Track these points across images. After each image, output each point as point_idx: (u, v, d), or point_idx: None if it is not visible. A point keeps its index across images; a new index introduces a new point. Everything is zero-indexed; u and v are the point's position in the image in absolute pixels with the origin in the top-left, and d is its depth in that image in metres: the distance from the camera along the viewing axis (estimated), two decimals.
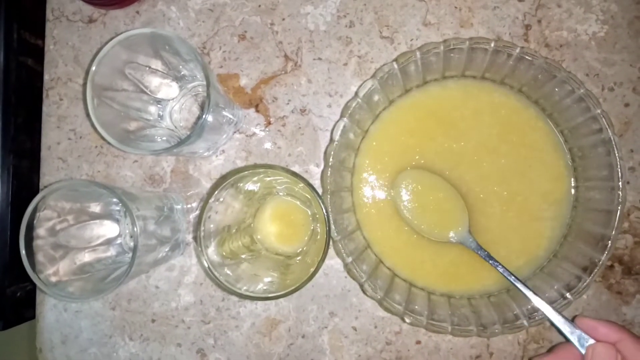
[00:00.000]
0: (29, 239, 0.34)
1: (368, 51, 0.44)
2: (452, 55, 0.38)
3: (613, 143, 0.36)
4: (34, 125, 0.46)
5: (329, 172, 0.38)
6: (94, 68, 0.34)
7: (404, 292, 0.39)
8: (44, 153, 0.46)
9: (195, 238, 0.43)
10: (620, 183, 0.36)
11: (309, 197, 0.39)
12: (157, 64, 0.39)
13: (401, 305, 0.38)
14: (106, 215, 0.41)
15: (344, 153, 0.40)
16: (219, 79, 0.45)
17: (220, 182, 0.34)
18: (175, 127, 0.43)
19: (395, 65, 0.38)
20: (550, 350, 0.40)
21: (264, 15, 0.45)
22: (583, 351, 0.35)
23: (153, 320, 0.44)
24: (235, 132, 0.44)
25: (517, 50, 0.37)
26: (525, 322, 0.37)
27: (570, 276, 0.38)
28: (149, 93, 0.40)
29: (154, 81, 0.40)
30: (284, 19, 0.44)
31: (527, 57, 0.37)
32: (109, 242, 0.41)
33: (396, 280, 0.40)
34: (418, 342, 0.42)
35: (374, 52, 0.44)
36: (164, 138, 0.42)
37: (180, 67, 0.40)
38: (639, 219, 0.42)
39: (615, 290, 0.42)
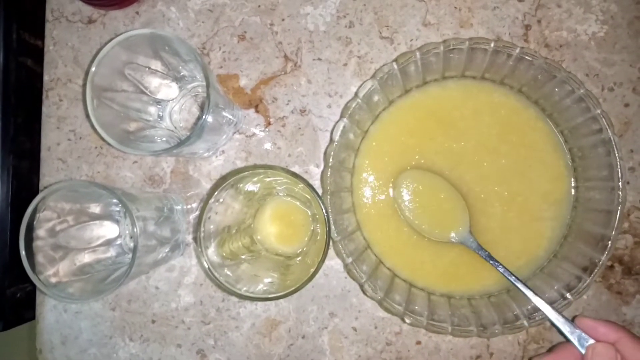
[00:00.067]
0: (29, 239, 0.34)
1: (368, 51, 0.44)
2: (452, 55, 0.38)
3: (613, 143, 0.36)
4: (33, 126, 0.46)
5: (328, 173, 0.38)
6: (93, 69, 0.34)
7: (404, 293, 0.39)
8: (43, 154, 0.46)
9: (195, 239, 0.43)
10: (620, 183, 0.36)
11: (309, 197, 0.39)
12: (156, 65, 0.39)
13: (401, 306, 0.38)
14: (106, 216, 0.41)
15: (343, 153, 0.40)
16: (218, 80, 0.45)
17: (220, 183, 0.34)
18: (175, 127, 0.43)
19: (395, 66, 0.38)
20: (550, 350, 0.40)
21: (264, 15, 0.45)
22: (583, 351, 0.35)
23: (153, 321, 0.44)
24: (235, 132, 0.44)
25: (517, 50, 0.37)
26: (525, 323, 0.37)
27: (571, 276, 0.38)
28: (149, 94, 0.40)
29: (153, 82, 0.40)
30: (283, 20, 0.44)
31: (526, 57, 0.37)
32: (108, 242, 0.41)
33: (396, 280, 0.40)
34: (418, 343, 0.42)
35: (374, 53, 0.44)
36: (164, 139, 0.42)
37: (180, 67, 0.40)
38: (639, 219, 0.42)
39: (615, 290, 0.42)
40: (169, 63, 0.39)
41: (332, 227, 0.37)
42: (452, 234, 0.40)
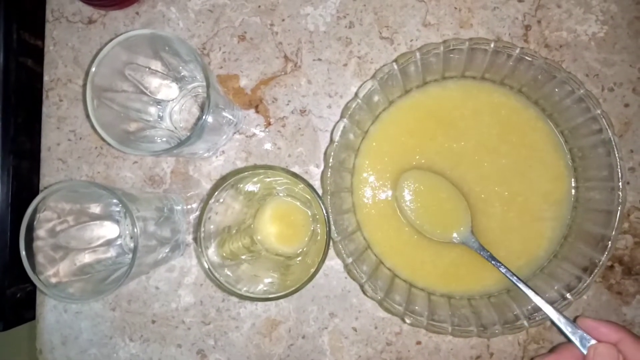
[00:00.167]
0: (29, 240, 0.34)
1: (368, 52, 0.44)
2: (452, 55, 0.38)
3: (613, 143, 0.36)
4: (33, 126, 0.46)
5: (329, 173, 0.38)
6: (93, 69, 0.34)
7: (404, 293, 0.39)
8: (43, 154, 0.46)
9: (195, 239, 0.43)
10: (620, 183, 0.36)
11: (309, 197, 0.39)
12: (157, 65, 0.39)
13: (401, 306, 0.38)
14: (106, 216, 0.41)
15: (344, 154, 0.40)
16: (218, 80, 0.45)
17: (220, 183, 0.34)
18: (175, 128, 0.43)
19: (395, 66, 0.38)
20: (551, 350, 0.40)
21: (264, 16, 0.45)
22: (584, 351, 0.35)
23: (153, 321, 0.44)
24: (235, 133, 0.44)
25: (517, 50, 0.37)
26: (525, 323, 0.37)
27: (571, 277, 0.38)
28: (149, 94, 0.40)
29: (153, 82, 0.40)
30: (283, 20, 0.44)
31: (526, 57, 0.37)
32: (109, 243, 0.41)
33: (396, 280, 0.40)
34: (418, 343, 0.42)
35: (374, 53, 0.44)
36: (164, 139, 0.42)
37: (180, 68, 0.40)
38: (639, 220, 0.42)
39: (616, 290, 0.42)
40: (169, 63, 0.39)
41: (332, 228, 0.37)
42: (454, 234, 0.40)
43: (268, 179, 0.39)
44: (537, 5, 0.43)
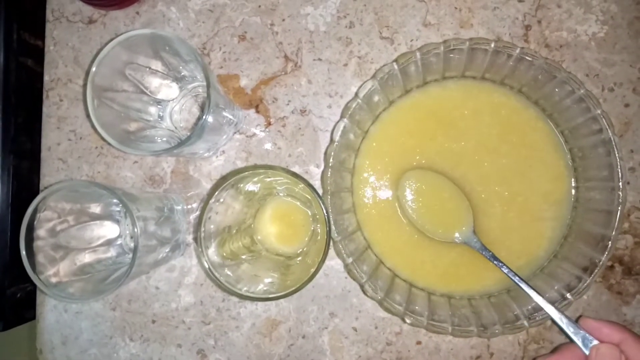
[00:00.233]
0: (29, 239, 0.34)
1: (368, 52, 0.44)
2: (452, 55, 0.38)
3: (613, 143, 0.36)
4: (34, 126, 0.46)
5: (329, 173, 0.38)
6: (94, 69, 0.34)
7: (404, 293, 0.39)
8: (44, 154, 0.46)
9: (195, 239, 0.43)
10: (620, 183, 0.36)
11: (309, 197, 0.39)
12: (157, 65, 0.39)
13: (401, 306, 0.38)
14: (106, 216, 0.41)
15: (344, 154, 0.40)
16: (219, 80, 0.45)
17: (221, 183, 0.34)
18: (176, 127, 0.43)
19: (396, 66, 0.38)
20: (553, 350, 0.40)
21: (264, 15, 0.45)
22: (587, 352, 0.35)
23: (153, 321, 0.44)
24: (235, 132, 0.44)
25: (517, 50, 0.37)
26: (525, 323, 0.37)
27: (571, 277, 0.38)
28: (149, 94, 0.40)
29: (154, 82, 0.40)
30: (284, 20, 0.44)
31: (527, 57, 0.37)
32: (109, 242, 0.41)
33: (396, 280, 0.40)
34: (418, 343, 0.42)
35: (374, 53, 0.44)
36: (164, 139, 0.42)
37: (181, 67, 0.40)
38: (639, 220, 0.42)
39: (616, 290, 0.42)
40: (170, 63, 0.39)
41: (333, 227, 0.37)
42: (456, 234, 0.40)
43: (268, 179, 0.39)
44: (537, 5, 0.43)
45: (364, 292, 0.38)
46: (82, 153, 0.45)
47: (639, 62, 0.42)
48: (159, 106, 0.42)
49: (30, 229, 0.34)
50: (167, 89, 0.42)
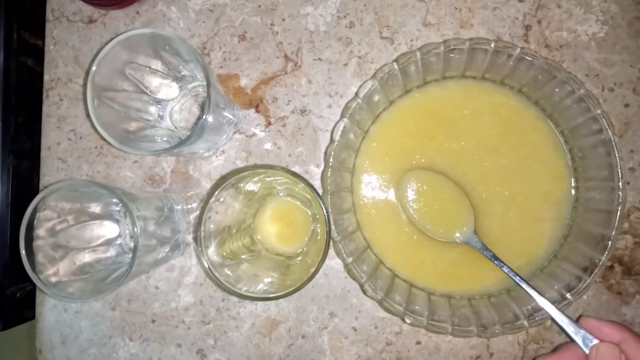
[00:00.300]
0: (29, 239, 0.34)
1: (368, 52, 0.44)
2: (452, 55, 0.38)
3: (613, 143, 0.36)
4: (34, 125, 0.46)
5: (329, 173, 0.38)
6: (94, 68, 0.34)
7: (404, 293, 0.39)
8: (44, 153, 0.46)
9: (195, 238, 0.43)
10: (620, 183, 0.36)
11: (309, 197, 0.39)
12: (157, 65, 0.39)
13: (401, 306, 0.38)
14: (106, 215, 0.41)
15: (344, 153, 0.40)
16: (219, 80, 0.45)
17: (221, 183, 0.34)
18: (176, 127, 0.43)
19: (396, 66, 0.38)
20: (554, 350, 0.40)
21: (264, 15, 0.45)
22: (587, 351, 0.35)
23: (153, 321, 0.44)
24: (235, 132, 0.44)
25: (517, 50, 0.37)
26: (525, 323, 0.37)
27: (571, 277, 0.38)
28: (149, 93, 0.40)
29: (154, 81, 0.40)
30: (284, 20, 0.44)
31: (527, 57, 0.37)
32: (109, 242, 0.41)
33: (396, 280, 0.40)
34: (418, 343, 0.42)
35: (374, 53, 0.44)
36: (164, 138, 0.42)
37: (181, 67, 0.40)
38: (639, 220, 0.42)
39: (615, 290, 0.42)
40: (170, 63, 0.39)
41: (333, 227, 0.37)
42: (457, 234, 0.40)
43: (268, 179, 0.39)
44: (537, 5, 0.43)
45: (364, 292, 0.38)
46: (82, 152, 0.45)
47: (639, 62, 0.42)
48: (159, 106, 0.42)
49: (30, 228, 0.34)
50: (167, 89, 0.42)
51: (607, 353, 0.34)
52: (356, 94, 0.39)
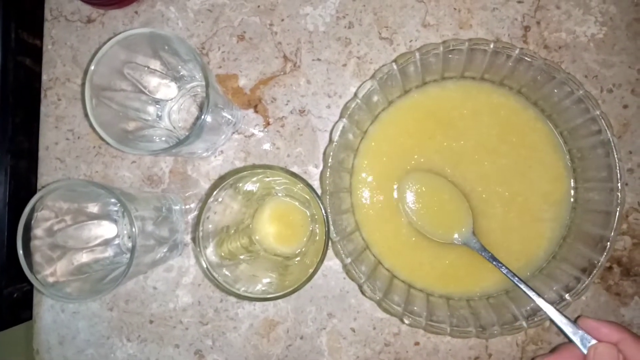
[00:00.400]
0: (27, 239, 0.34)
1: (367, 52, 0.44)
2: (451, 56, 0.38)
3: (612, 144, 0.36)
4: (31, 125, 0.46)
5: (327, 173, 0.38)
6: (92, 68, 0.34)
7: (402, 294, 0.39)
8: (41, 153, 0.46)
9: (193, 239, 0.43)
10: (619, 184, 0.36)
11: (307, 197, 0.39)
12: (155, 64, 0.39)
13: (400, 307, 0.38)
14: (104, 215, 0.41)
15: (342, 154, 0.40)
16: (217, 80, 0.44)
17: (219, 183, 0.34)
18: (174, 127, 0.43)
19: (395, 66, 0.38)
20: (552, 351, 0.40)
21: (263, 15, 0.44)
22: (585, 351, 0.35)
23: (151, 321, 0.44)
24: (234, 132, 0.44)
25: (516, 51, 0.37)
26: (524, 324, 0.37)
27: (569, 277, 0.38)
28: (148, 93, 0.40)
29: (152, 81, 0.40)
30: (283, 20, 0.44)
31: (526, 58, 0.37)
32: (106, 242, 0.41)
33: (395, 281, 0.40)
34: (417, 344, 0.42)
35: (373, 53, 0.44)
36: (163, 138, 0.42)
37: (179, 67, 0.40)
38: (637, 221, 0.42)
39: (614, 291, 0.42)
40: (168, 62, 0.39)
41: (331, 228, 0.37)
42: (456, 235, 0.40)
43: (267, 179, 0.39)
44: (536, 6, 0.43)
45: (363, 293, 0.38)
46: (80, 152, 0.45)
47: (638, 64, 0.42)
48: (157, 106, 0.42)
49: (28, 228, 0.33)
50: (165, 89, 0.42)
51: (605, 353, 0.34)
52: (355, 94, 0.39)
